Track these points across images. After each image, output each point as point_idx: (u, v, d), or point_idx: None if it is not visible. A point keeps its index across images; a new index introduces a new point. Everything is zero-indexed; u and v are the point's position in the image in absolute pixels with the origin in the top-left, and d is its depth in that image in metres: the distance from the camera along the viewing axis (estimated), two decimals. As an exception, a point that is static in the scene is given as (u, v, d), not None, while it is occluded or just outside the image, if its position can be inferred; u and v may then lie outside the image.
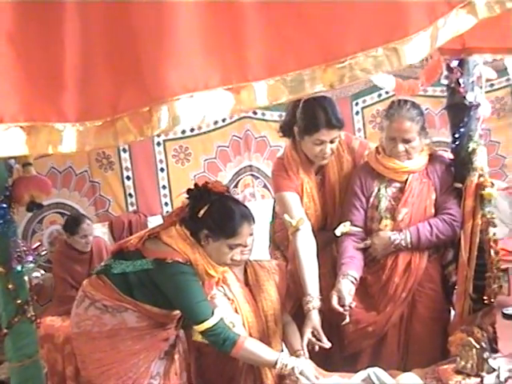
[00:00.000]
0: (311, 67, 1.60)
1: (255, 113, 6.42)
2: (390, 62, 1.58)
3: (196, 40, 1.59)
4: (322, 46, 1.62)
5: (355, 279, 3.33)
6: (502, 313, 3.21)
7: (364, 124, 6.58)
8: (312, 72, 1.60)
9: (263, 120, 6.45)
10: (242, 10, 1.57)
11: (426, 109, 6.35)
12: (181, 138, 6.41)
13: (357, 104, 6.62)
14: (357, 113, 6.63)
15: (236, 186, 6.56)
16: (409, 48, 1.57)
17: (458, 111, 3.43)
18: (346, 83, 1.62)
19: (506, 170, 6.68)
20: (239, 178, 6.59)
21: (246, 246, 2.98)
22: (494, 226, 3.38)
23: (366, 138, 6.48)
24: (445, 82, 3.51)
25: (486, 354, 2.42)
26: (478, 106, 3.39)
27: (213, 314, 2.88)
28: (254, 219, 3.01)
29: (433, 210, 3.45)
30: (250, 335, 3.09)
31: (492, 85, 6.19)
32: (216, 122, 6.37)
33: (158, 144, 6.34)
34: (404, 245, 3.39)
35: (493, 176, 6.32)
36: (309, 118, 3.42)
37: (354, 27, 1.62)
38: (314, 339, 3.09)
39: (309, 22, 1.62)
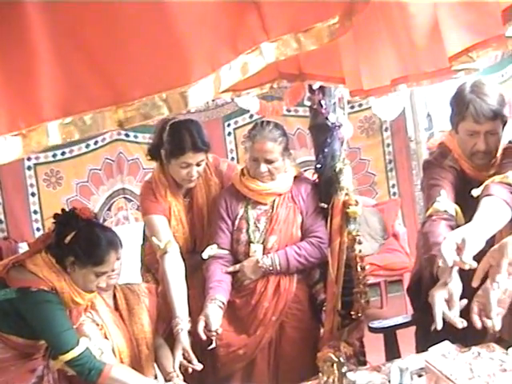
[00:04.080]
0: (102, 108, 1.63)
1: (127, 135, 6.35)
2: (175, 106, 1.63)
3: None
4: (112, 89, 1.66)
5: (223, 303, 3.32)
6: (369, 326, 3.27)
7: (236, 145, 6.61)
8: (103, 113, 1.63)
9: (135, 142, 6.38)
10: (33, 51, 1.58)
11: (298, 129, 6.47)
12: (52, 162, 6.26)
13: (229, 125, 6.65)
14: (229, 134, 6.66)
15: (109, 210, 6.44)
16: (192, 93, 1.63)
17: (321, 132, 3.49)
18: (136, 124, 1.67)
19: (375, 187, 6.85)
20: (112, 201, 6.47)
21: (113, 271, 2.94)
22: (360, 242, 3.43)
23: (238, 158, 6.52)
24: (308, 103, 3.58)
25: (344, 368, 2.46)
26: (340, 126, 3.46)
27: (78, 343, 2.82)
28: (121, 244, 2.98)
29: (299, 234, 3.50)
30: (121, 361, 3.04)
31: (360, 105, 6.35)
32: (88, 145, 6.27)
33: (29, 168, 6.17)
34: (272, 269, 3.41)
35: (363, 193, 6.59)
36: (175, 141, 3.41)
37: (141, 74, 1.67)
38: (185, 361, 3.06)
39: (99, 64, 1.66)
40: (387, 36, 2.47)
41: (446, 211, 2.80)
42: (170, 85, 1.63)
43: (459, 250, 2.22)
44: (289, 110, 6.14)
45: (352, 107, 6.20)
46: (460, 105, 2.92)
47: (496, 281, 2.12)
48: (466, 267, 2.20)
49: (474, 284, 2.17)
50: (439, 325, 2.20)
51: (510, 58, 4.65)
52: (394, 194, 6.92)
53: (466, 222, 2.51)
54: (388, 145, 6.84)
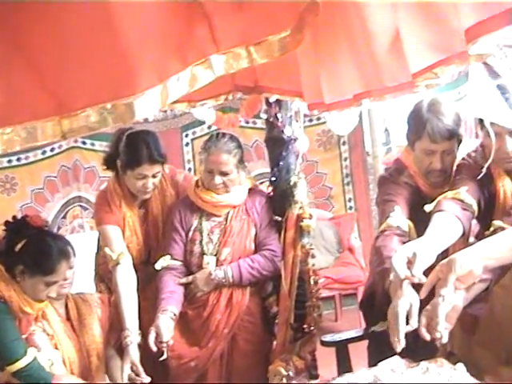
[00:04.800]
0: (44, 118, 1.60)
1: (84, 142, 6.30)
2: (121, 117, 1.61)
3: None
4: (55, 98, 1.63)
5: (174, 315, 3.31)
6: (321, 340, 3.27)
7: (194, 155, 6.60)
8: (45, 123, 1.60)
9: (92, 150, 6.33)
10: None
11: (256, 140, 6.47)
12: (7, 168, 6.17)
13: (187, 135, 6.64)
14: (187, 144, 6.65)
15: (64, 217, 6.38)
16: (139, 104, 1.60)
17: (277, 145, 3.50)
18: (80, 135, 1.65)
19: (332, 200, 6.88)
20: (68, 208, 6.40)
21: (65, 280, 2.90)
22: (313, 256, 3.44)
23: (195, 169, 6.51)
24: (264, 115, 3.59)
25: (294, 382, 2.46)
26: (295, 140, 3.47)
27: (26, 353, 2.78)
28: (74, 253, 2.95)
29: (253, 246, 3.50)
30: (72, 371, 3.00)
31: (319, 118, 6.37)
32: (44, 152, 6.21)
33: (-17, 173, 6.09)
34: (225, 281, 3.41)
35: (320, 206, 6.61)
36: (131, 152, 3.39)
37: (85, 83, 1.64)
38: (133, 374, 3.03)
39: (41, 72, 1.63)
40: (349, 51, 2.47)
41: (398, 227, 2.81)
42: (116, 95, 1.60)
43: (410, 263, 2.24)
44: (247, 122, 6.15)
45: (310, 120, 6.24)
46: (417, 124, 2.94)
47: (441, 294, 2.14)
48: (416, 281, 2.23)
49: (422, 296, 2.19)
50: (402, 343, 2.20)
51: (465, 77, 4.70)
52: (351, 207, 6.96)
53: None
54: (345, 159, 6.89)
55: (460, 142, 2.98)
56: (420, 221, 2.79)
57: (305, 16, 1.64)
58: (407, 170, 3.08)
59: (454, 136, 2.92)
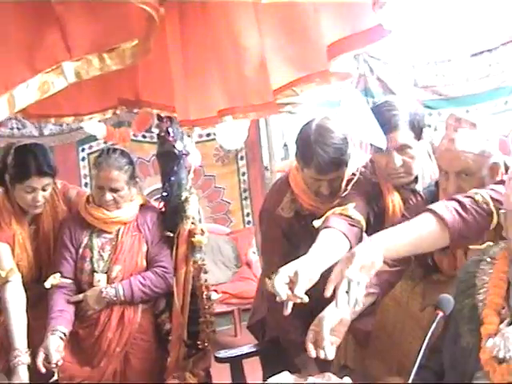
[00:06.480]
0: None
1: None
2: None
3: None
4: None
5: (64, 334, 3.25)
6: (215, 356, 3.25)
7: (90, 170, 6.52)
8: None
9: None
10: None
11: (153, 155, 6.37)
12: None
13: (83, 150, 6.56)
14: (83, 159, 6.57)
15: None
16: None
17: (168, 160, 3.49)
18: None
19: (230, 215, 6.90)
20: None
21: None
22: (205, 272, 3.44)
23: (92, 184, 6.40)
24: (156, 130, 3.57)
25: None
26: (187, 154, 3.47)
27: None
28: None
29: (145, 263, 3.47)
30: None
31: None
32: None
33: None
34: (116, 299, 3.36)
35: (217, 221, 6.61)
36: (19, 164, 3.32)
37: None
38: None
39: None
40: (216, 68, 2.49)
41: None
42: None
43: (292, 283, 2.20)
44: (144, 136, 6.11)
45: (208, 135, 6.25)
46: (304, 153, 2.93)
47: (346, 276, 2.13)
48: (298, 301, 2.20)
49: (326, 294, 2.16)
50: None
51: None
52: (249, 222, 6.99)
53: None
54: (243, 173, 6.92)
55: (347, 163, 2.99)
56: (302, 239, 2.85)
57: (148, 26, 1.64)
58: (290, 190, 3.12)
59: (341, 165, 2.92)
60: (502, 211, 2.04)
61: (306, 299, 2.19)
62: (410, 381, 1.81)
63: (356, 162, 3.06)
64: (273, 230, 3.13)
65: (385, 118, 2.64)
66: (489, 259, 2.10)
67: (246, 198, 6.92)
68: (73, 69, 1.66)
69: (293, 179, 3.12)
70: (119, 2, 1.61)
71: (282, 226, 3.10)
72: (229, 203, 6.90)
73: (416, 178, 2.82)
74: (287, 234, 3.10)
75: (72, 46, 1.65)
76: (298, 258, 2.78)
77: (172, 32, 2.40)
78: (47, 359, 3.12)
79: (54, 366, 3.13)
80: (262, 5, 1.71)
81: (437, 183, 2.64)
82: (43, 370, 3.10)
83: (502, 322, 1.95)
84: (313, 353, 2.24)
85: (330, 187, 2.95)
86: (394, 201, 2.84)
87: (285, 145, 6.81)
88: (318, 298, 2.21)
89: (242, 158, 6.88)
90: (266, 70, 2.25)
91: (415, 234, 2.27)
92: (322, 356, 2.22)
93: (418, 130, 2.70)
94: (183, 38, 2.15)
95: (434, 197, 2.64)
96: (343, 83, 2.32)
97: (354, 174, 2.95)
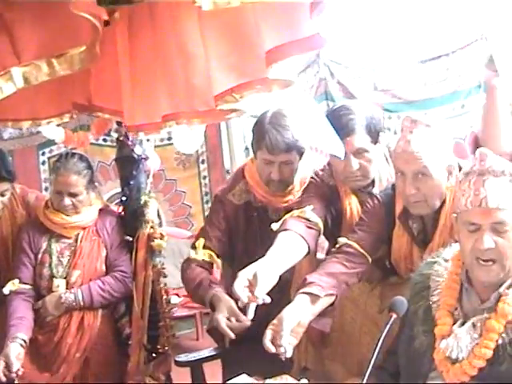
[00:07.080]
0: None
1: None
2: None
3: None
4: None
5: (25, 341, 3.22)
6: (175, 360, 3.24)
7: (50, 174, 6.45)
8: None
9: None
10: None
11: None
12: None
13: (43, 154, 6.49)
14: (43, 162, 6.51)
15: None
16: None
17: (127, 164, 3.48)
18: None
19: (191, 218, 6.88)
20: None
21: None
22: (165, 276, 3.44)
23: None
24: (115, 134, 3.56)
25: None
26: (146, 159, 3.46)
27: None
28: None
29: (104, 268, 3.46)
30: None
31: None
32: None
33: None
34: (75, 304, 3.34)
35: (179, 225, 6.59)
36: None
37: None
38: None
39: None
40: (162, 73, 2.50)
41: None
42: None
43: (251, 285, 2.26)
44: (105, 140, 6.06)
45: (169, 139, 6.22)
46: (258, 134, 2.98)
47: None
48: (260, 302, 2.24)
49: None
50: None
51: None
52: (210, 225, 6.96)
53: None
54: (204, 177, 6.90)
55: (301, 154, 3.03)
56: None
57: (93, 34, 1.65)
58: (243, 181, 3.14)
59: (292, 149, 2.95)
60: (453, 214, 2.07)
61: (268, 300, 2.22)
62: (364, 381, 1.83)
63: (313, 165, 3.09)
64: (217, 213, 3.16)
65: (341, 123, 2.67)
66: (442, 261, 2.13)
67: (207, 202, 6.88)
68: (21, 74, 1.67)
69: (248, 170, 3.15)
70: (65, 8, 1.61)
71: (227, 209, 3.13)
72: (190, 207, 6.88)
73: (373, 181, 2.85)
74: (229, 219, 3.13)
75: (20, 51, 1.66)
76: (233, 244, 3.00)
77: (121, 37, 2.40)
78: (8, 367, 3.09)
79: (14, 374, 3.10)
80: (204, 12, 1.72)
81: (393, 186, 2.66)
82: (3, 379, 3.07)
83: (455, 322, 1.98)
84: (272, 349, 2.25)
85: (280, 172, 2.97)
86: (352, 204, 2.87)
87: (246, 148, 6.79)
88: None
89: (203, 162, 6.87)
90: (210, 77, 2.26)
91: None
92: (282, 351, 2.23)
93: (374, 134, 2.73)
94: (131, 43, 2.15)
95: (390, 199, 2.68)
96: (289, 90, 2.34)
97: (312, 178, 2.98)
